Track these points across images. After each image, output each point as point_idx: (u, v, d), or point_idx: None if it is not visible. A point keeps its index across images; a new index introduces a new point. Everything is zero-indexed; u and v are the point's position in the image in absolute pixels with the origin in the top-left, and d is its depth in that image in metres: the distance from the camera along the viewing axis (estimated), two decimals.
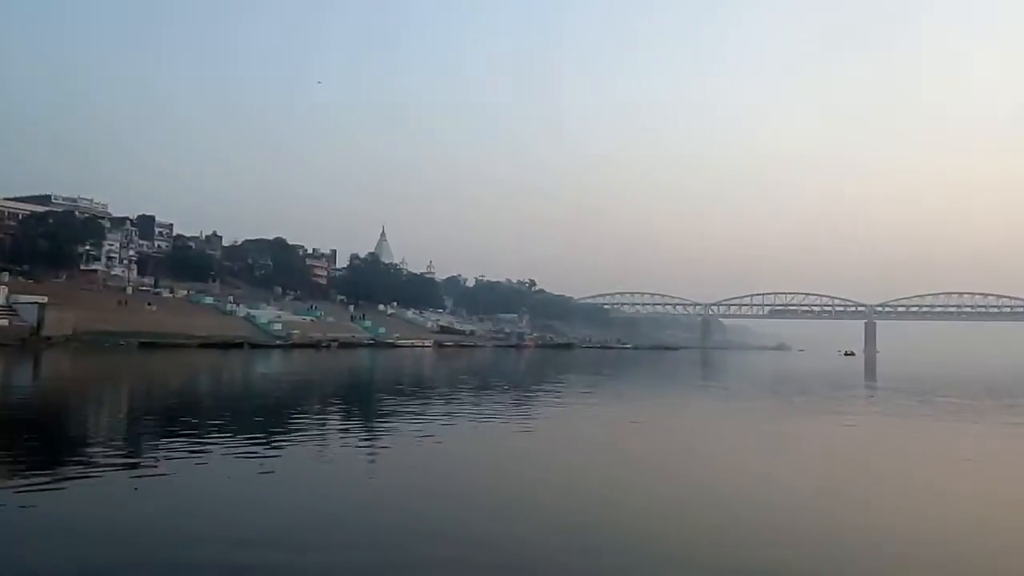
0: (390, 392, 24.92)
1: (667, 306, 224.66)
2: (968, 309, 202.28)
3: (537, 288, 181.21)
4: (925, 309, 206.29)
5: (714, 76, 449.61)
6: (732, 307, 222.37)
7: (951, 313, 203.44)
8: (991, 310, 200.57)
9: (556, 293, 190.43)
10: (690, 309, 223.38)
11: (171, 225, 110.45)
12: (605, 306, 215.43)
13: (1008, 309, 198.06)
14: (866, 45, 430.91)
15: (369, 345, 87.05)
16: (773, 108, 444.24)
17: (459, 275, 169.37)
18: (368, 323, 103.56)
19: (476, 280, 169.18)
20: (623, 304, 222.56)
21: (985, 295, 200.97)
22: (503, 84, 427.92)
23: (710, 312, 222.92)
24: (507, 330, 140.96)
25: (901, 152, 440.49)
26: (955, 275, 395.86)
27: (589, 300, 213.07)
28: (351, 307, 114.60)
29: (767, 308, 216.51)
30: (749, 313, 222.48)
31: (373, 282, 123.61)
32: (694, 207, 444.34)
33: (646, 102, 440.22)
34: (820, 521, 7.61)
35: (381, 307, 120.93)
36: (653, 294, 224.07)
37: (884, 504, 8.49)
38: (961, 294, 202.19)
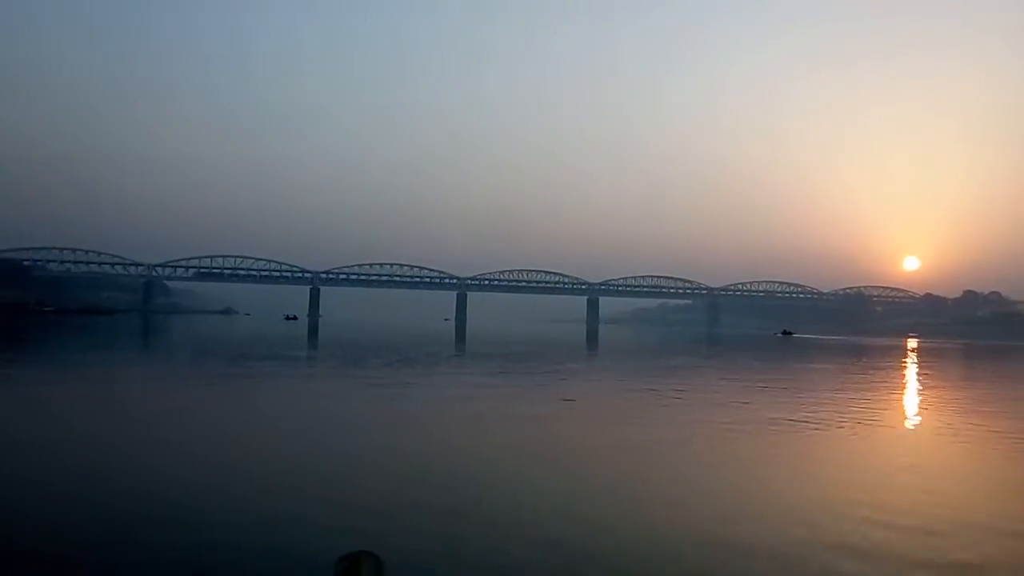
0: None
1: (104, 265, 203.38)
2: (398, 278, 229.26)
3: None
4: (363, 277, 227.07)
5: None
6: (179, 269, 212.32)
7: (383, 281, 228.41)
8: (414, 280, 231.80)
9: None
10: (131, 269, 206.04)
11: None
12: (25, 263, 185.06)
13: (428, 280, 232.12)
14: None
15: None
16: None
17: None
18: None
19: None
20: (49, 261, 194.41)
21: (402, 265, 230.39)
22: None
23: (154, 273, 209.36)
24: None
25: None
26: (393, 248, 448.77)
27: (5, 255, 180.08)
28: None
29: (212, 271, 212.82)
30: (196, 276, 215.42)
31: None
32: (151, 159, 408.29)
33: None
34: None
35: None
36: (88, 251, 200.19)
37: None
38: (382, 264, 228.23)
